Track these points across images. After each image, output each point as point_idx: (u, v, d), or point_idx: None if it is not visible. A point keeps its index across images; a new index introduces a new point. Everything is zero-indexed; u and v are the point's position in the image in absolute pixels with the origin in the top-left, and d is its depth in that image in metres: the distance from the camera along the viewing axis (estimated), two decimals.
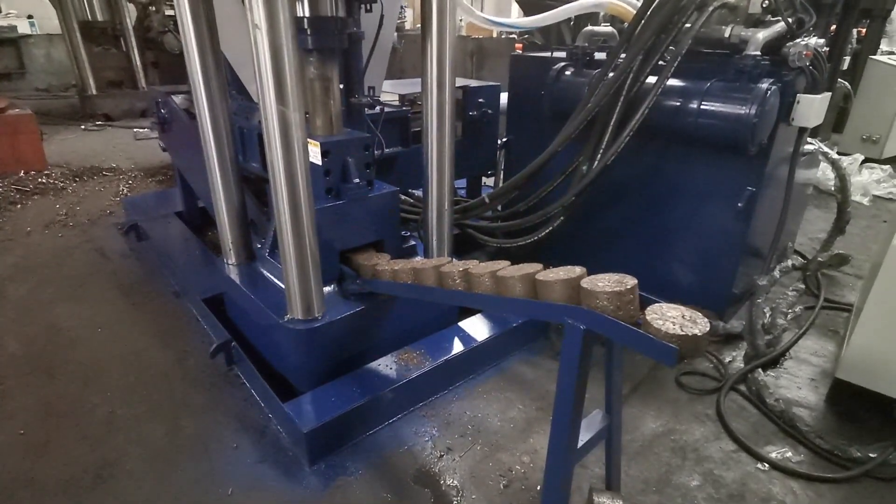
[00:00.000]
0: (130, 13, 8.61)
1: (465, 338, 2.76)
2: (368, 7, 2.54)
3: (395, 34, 6.66)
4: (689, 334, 1.26)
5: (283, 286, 2.31)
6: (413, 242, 2.98)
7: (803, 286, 3.56)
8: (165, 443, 2.30)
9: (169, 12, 8.59)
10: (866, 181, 5.51)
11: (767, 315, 2.95)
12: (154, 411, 2.47)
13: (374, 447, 2.29)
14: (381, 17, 2.72)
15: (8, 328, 3.07)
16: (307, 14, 2.32)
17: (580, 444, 1.64)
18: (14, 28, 10.43)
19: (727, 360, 2.86)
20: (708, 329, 1.29)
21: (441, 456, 2.25)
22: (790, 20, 2.53)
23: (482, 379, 2.72)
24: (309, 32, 2.30)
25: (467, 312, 2.93)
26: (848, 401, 2.51)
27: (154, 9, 8.67)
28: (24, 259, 3.89)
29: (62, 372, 2.72)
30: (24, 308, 3.28)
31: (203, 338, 2.96)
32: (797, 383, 2.73)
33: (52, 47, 10.82)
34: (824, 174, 5.13)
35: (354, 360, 2.51)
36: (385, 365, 2.53)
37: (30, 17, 10.91)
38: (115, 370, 2.73)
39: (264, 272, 2.71)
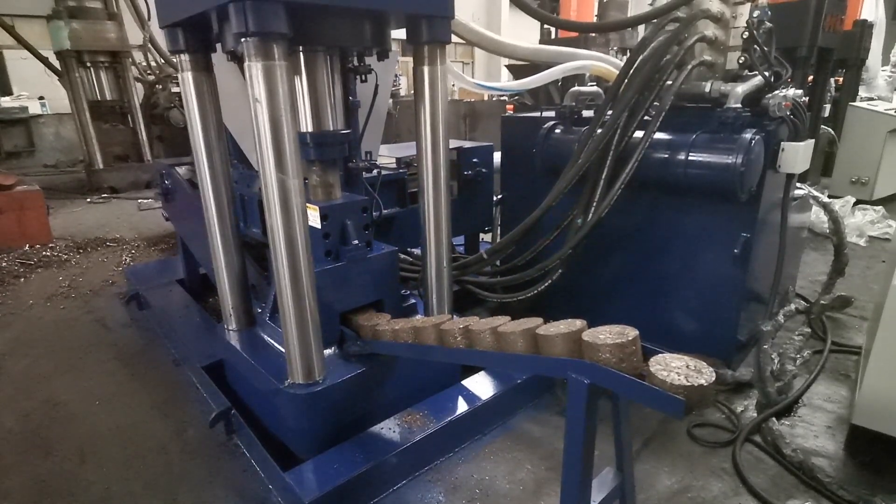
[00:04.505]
0: (138, 91, 9.01)
1: (469, 396, 2.71)
2: (363, 78, 2.67)
3: (391, 101, 6.95)
4: (695, 385, 1.24)
5: (283, 350, 2.30)
6: (413, 301, 2.98)
7: (809, 330, 3.52)
8: None
9: (175, 89, 8.99)
10: (860, 222, 5.57)
11: (776, 361, 2.90)
12: (151, 487, 2.39)
13: None
14: (376, 86, 2.84)
15: (5, 404, 3.02)
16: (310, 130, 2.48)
17: None
18: (25, 109, 10.89)
19: (739, 409, 2.79)
20: (714, 379, 1.27)
21: None
22: (767, 74, 2.64)
23: (488, 439, 2.64)
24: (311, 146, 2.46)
25: (470, 370, 2.88)
26: (867, 447, 2.42)
27: (161, 87, 9.10)
28: (24, 332, 3.88)
29: (58, 448, 2.65)
30: (22, 382, 3.24)
31: (202, 407, 2.90)
32: (813, 431, 2.65)
33: (61, 126, 11.26)
34: (818, 217, 5.19)
35: (356, 423, 2.45)
36: (388, 428, 2.47)
37: (41, 98, 11.41)
38: (112, 444, 2.66)
39: (264, 337, 2.70)
